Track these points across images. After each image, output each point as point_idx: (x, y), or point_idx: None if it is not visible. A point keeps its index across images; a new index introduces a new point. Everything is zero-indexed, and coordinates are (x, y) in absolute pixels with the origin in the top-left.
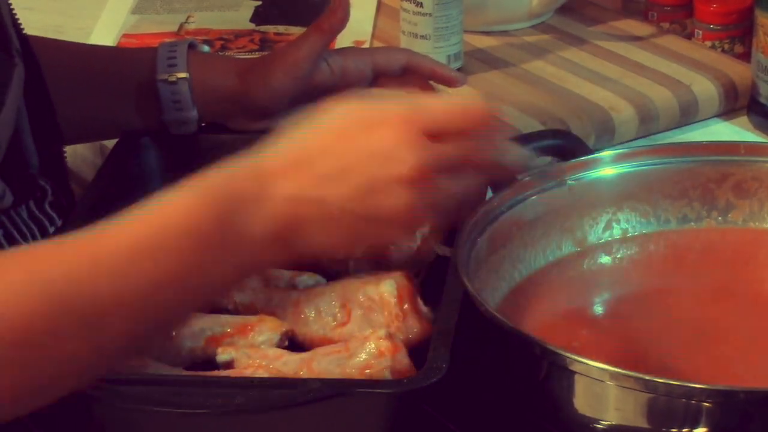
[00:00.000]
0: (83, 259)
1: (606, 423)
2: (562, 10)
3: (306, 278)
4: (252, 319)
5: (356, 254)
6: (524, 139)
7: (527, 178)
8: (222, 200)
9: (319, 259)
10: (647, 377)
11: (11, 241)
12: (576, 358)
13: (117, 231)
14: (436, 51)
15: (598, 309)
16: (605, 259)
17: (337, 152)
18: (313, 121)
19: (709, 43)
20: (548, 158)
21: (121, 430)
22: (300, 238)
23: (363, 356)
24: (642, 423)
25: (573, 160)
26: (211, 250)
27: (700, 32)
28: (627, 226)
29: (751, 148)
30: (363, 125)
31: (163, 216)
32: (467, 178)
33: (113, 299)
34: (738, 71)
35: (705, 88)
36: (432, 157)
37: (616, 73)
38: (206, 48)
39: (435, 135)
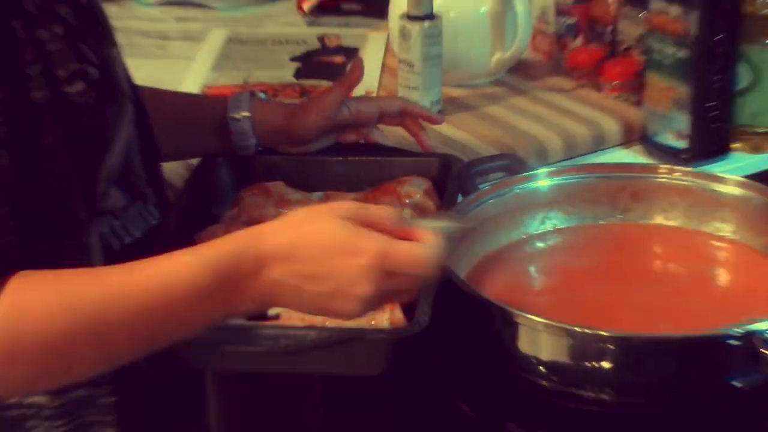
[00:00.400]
0: (113, 292)
1: (540, 359)
2: (511, 70)
3: None
4: None
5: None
6: (486, 159)
7: (488, 187)
8: (227, 274)
9: None
10: (568, 326)
11: (126, 230)
12: (520, 312)
13: (144, 276)
14: (423, 98)
15: (535, 279)
16: (540, 245)
17: (318, 261)
18: (306, 225)
19: (613, 95)
20: (502, 173)
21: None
22: (274, 304)
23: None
24: (565, 359)
25: (518, 175)
26: (211, 305)
27: (607, 87)
28: (555, 221)
29: (642, 167)
30: (344, 250)
31: (182, 276)
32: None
33: (127, 330)
34: (633, 114)
35: (610, 126)
36: (382, 290)
37: (548, 115)
38: (263, 96)
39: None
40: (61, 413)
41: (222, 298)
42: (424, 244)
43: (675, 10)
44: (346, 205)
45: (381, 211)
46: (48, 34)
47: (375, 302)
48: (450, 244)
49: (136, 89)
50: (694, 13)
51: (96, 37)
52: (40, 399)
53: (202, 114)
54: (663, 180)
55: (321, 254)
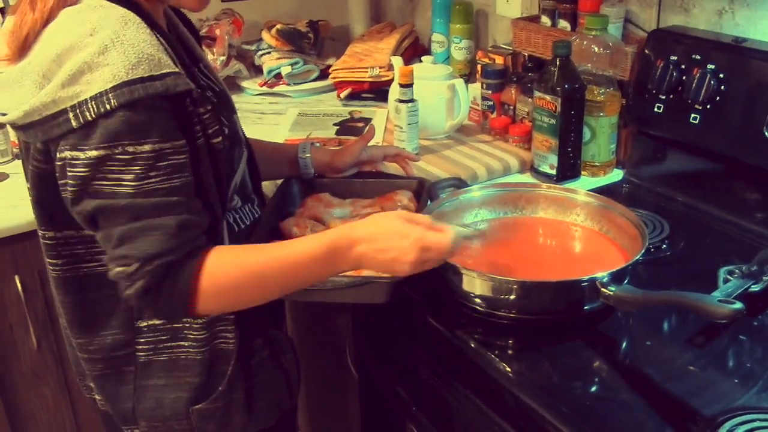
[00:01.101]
0: (272, 259)
1: (474, 294)
2: (457, 131)
3: None
4: None
5: None
6: (443, 181)
7: (444, 196)
8: (334, 248)
9: None
10: (490, 275)
11: (241, 221)
12: (463, 267)
13: (289, 251)
14: (408, 147)
15: (471, 249)
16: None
17: (386, 241)
18: (380, 221)
19: (515, 144)
20: (452, 188)
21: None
22: (360, 267)
23: None
24: (488, 293)
25: (461, 189)
26: (324, 268)
27: (511, 140)
28: (483, 216)
29: (531, 184)
30: (400, 234)
31: (309, 251)
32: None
33: (278, 282)
34: (526, 155)
35: (513, 162)
36: (420, 259)
37: (477, 156)
38: (317, 144)
39: (427, 248)
40: (204, 325)
41: (330, 263)
42: (446, 234)
43: (549, 97)
44: (401, 211)
45: (422, 215)
46: (203, 110)
47: (417, 266)
48: (461, 240)
49: (247, 140)
50: (558, 98)
51: (227, 109)
52: (175, 322)
53: (283, 154)
54: (542, 191)
55: (388, 237)
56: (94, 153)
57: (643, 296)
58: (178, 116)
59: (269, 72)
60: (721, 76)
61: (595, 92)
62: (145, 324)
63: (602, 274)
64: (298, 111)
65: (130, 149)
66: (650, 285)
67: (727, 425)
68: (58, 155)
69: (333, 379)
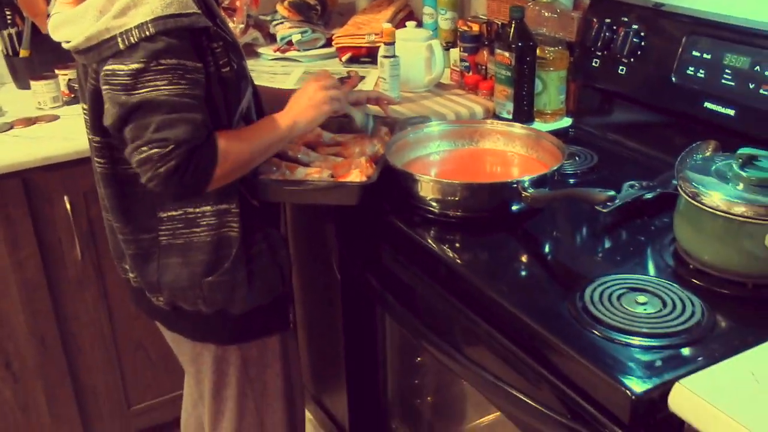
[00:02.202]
0: (256, 130)
1: (430, 198)
2: (436, 86)
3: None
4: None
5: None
6: (411, 119)
7: (409, 129)
8: (280, 117)
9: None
10: (442, 180)
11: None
12: (420, 175)
13: (272, 124)
14: (390, 95)
15: (430, 166)
16: (435, 157)
17: (298, 100)
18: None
19: (484, 97)
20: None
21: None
22: (302, 126)
23: (354, 173)
24: (439, 196)
25: (424, 124)
26: (283, 131)
27: (481, 93)
28: (443, 147)
29: (480, 121)
30: (304, 89)
31: (277, 120)
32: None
33: (270, 147)
34: (490, 104)
35: (478, 108)
36: (322, 92)
37: (450, 105)
38: None
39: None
40: (214, 214)
41: (276, 126)
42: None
43: (506, 53)
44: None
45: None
46: (216, 45)
47: (325, 99)
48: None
49: (254, 83)
50: (513, 54)
51: (236, 53)
52: (206, 208)
53: (284, 96)
54: (488, 126)
55: (298, 96)
56: (136, 65)
57: (550, 193)
58: (197, 47)
59: (282, 39)
60: (642, 34)
61: (546, 51)
62: (165, 215)
63: (524, 178)
64: (303, 70)
65: (164, 63)
66: None
67: (593, 285)
68: (103, 69)
69: (319, 275)
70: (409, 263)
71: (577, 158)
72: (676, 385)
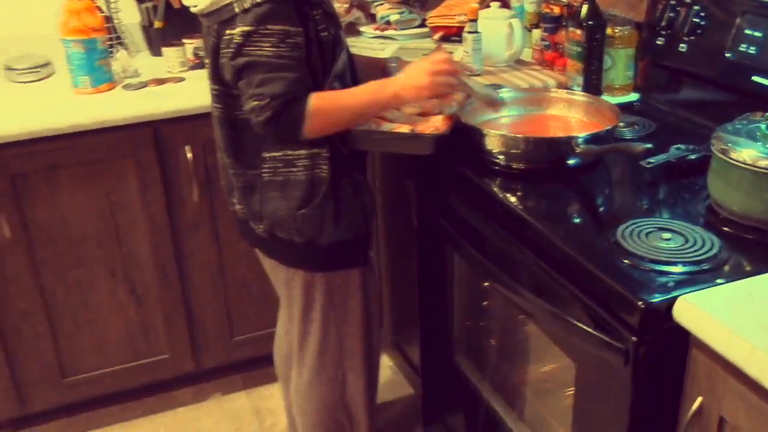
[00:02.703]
0: (348, 94)
1: (495, 151)
2: (516, 62)
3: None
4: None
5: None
6: (486, 86)
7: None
8: (382, 86)
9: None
10: (508, 133)
11: None
12: (486, 129)
13: (359, 90)
14: (472, 65)
15: (501, 125)
16: (505, 120)
17: (409, 75)
18: (409, 67)
19: (559, 72)
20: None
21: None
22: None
23: (431, 128)
24: (503, 148)
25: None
26: (379, 101)
27: (557, 68)
28: (511, 112)
29: (545, 89)
30: (416, 66)
31: (370, 89)
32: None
33: (354, 110)
34: (563, 78)
35: (551, 81)
36: (434, 73)
37: (527, 78)
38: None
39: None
40: (308, 156)
41: (379, 97)
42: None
43: (578, 30)
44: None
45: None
46: (316, 12)
47: (435, 81)
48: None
49: (350, 51)
50: (585, 32)
51: (335, 22)
52: (302, 152)
53: (377, 64)
54: (553, 94)
55: (410, 71)
56: (247, 28)
57: (598, 148)
58: (300, 13)
59: (381, 18)
60: (702, 14)
61: (616, 30)
62: (268, 155)
63: (579, 135)
64: (397, 46)
65: (270, 27)
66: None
67: (626, 224)
68: (225, 33)
69: (399, 223)
70: (476, 209)
71: (636, 126)
72: (680, 298)
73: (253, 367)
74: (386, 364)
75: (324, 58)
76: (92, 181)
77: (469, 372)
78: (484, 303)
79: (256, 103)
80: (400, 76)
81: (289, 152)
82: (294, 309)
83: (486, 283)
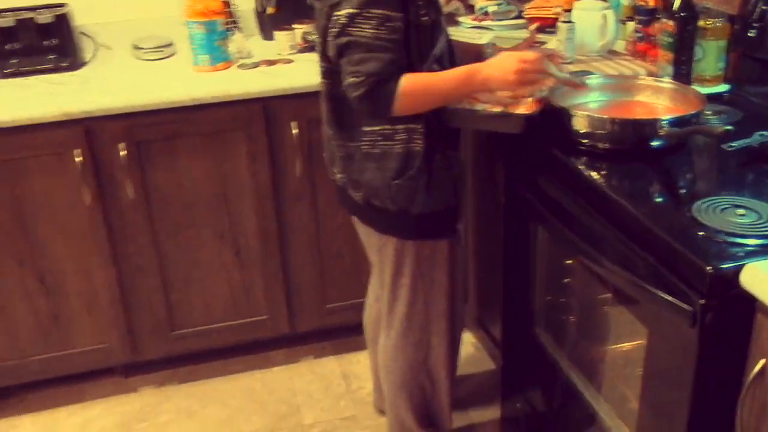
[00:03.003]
0: (438, 77)
1: (582, 132)
2: (608, 52)
3: None
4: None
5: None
6: (575, 73)
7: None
8: (471, 73)
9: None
10: (594, 114)
11: None
12: (573, 110)
13: (448, 74)
14: (565, 53)
15: (592, 107)
16: (593, 105)
17: (497, 66)
18: (498, 58)
19: (651, 63)
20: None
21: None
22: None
23: (521, 108)
24: (589, 129)
25: (584, 76)
26: (466, 86)
27: (649, 59)
28: (601, 98)
29: (633, 76)
30: (505, 57)
31: (458, 73)
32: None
33: (442, 92)
34: (654, 68)
35: (641, 71)
36: (520, 70)
37: (616, 66)
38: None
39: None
40: (404, 131)
41: (468, 83)
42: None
43: (671, 21)
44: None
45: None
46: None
47: (521, 75)
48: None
49: (449, 37)
50: (677, 23)
51: (436, 8)
52: (399, 126)
53: (474, 49)
54: (640, 81)
55: (499, 61)
56: (351, 10)
57: (680, 130)
58: (402, 1)
59: (479, 9)
60: None
61: (708, 22)
62: (368, 129)
63: (663, 118)
64: (494, 35)
65: (372, 11)
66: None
67: (703, 200)
68: (333, 15)
69: (488, 199)
70: (562, 186)
71: (723, 114)
72: (748, 265)
73: (343, 334)
74: (469, 340)
75: (423, 42)
76: (207, 150)
77: (547, 344)
78: (566, 280)
79: (353, 79)
80: (489, 64)
81: (387, 127)
82: (385, 275)
83: (568, 261)
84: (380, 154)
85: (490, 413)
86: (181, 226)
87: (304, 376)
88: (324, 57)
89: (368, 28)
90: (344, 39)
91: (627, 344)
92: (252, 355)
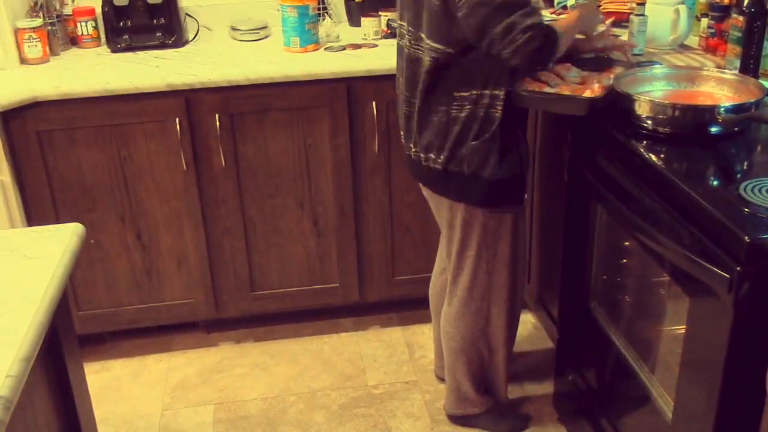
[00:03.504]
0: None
1: (643, 115)
2: (680, 45)
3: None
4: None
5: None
6: (643, 63)
7: (638, 68)
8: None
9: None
10: (654, 99)
11: None
12: (636, 95)
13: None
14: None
15: (654, 94)
16: (657, 93)
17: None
18: None
19: (720, 57)
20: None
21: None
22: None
23: (587, 92)
24: (651, 114)
25: (650, 65)
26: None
27: (719, 53)
28: (666, 87)
29: (697, 67)
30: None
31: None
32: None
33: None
34: (722, 62)
35: (709, 64)
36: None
37: (684, 59)
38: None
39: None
40: (489, 97)
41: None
42: None
43: (740, 17)
44: None
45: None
46: None
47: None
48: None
49: None
50: (746, 18)
51: None
52: (486, 92)
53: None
54: (703, 72)
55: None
56: None
57: (737, 116)
58: None
59: (558, 3)
60: None
61: None
62: (458, 94)
63: (722, 105)
64: None
65: None
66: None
67: (749, 181)
68: None
69: (553, 178)
70: (623, 167)
71: None
72: None
73: (409, 306)
74: (529, 320)
75: None
76: (293, 124)
77: (602, 319)
78: (623, 261)
79: (528, 34)
80: (583, 12)
81: (475, 92)
82: (453, 245)
83: (626, 243)
84: (465, 118)
85: (545, 388)
86: (266, 194)
87: (371, 343)
88: (436, 38)
89: None
90: (492, 5)
91: (680, 327)
92: (323, 321)
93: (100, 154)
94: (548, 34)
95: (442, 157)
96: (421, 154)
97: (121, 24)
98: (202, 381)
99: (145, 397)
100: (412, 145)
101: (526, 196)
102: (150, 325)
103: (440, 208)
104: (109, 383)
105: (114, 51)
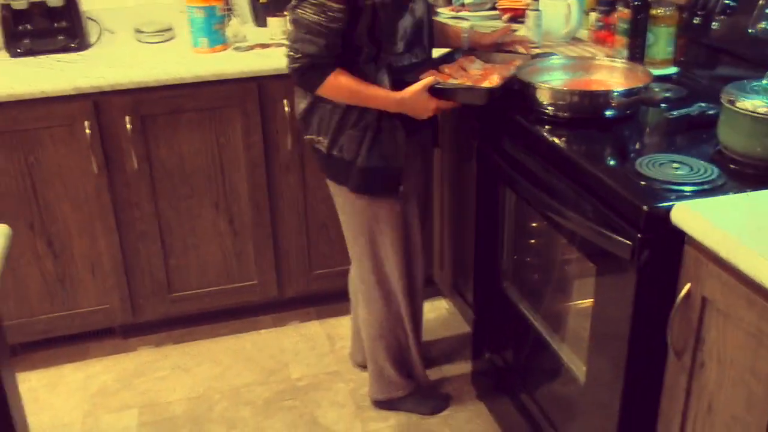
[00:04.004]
0: (365, 88)
1: (545, 101)
2: (572, 39)
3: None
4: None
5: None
6: (540, 54)
7: (535, 59)
8: (396, 102)
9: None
10: (554, 86)
11: (396, 64)
12: (536, 83)
13: (378, 93)
14: (534, 38)
15: (555, 82)
16: (556, 82)
17: (418, 105)
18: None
19: (609, 48)
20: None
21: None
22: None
23: (486, 83)
24: (549, 100)
25: (547, 57)
26: (387, 108)
27: (607, 44)
28: (563, 76)
29: (590, 57)
30: (430, 102)
31: (387, 95)
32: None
33: (371, 103)
34: (611, 52)
35: (599, 55)
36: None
37: (576, 50)
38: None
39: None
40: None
41: (386, 105)
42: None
43: (626, 9)
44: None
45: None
46: None
47: (419, 112)
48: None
49: (431, 20)
50: (631, 11)
51: None
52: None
53: (452, 32)
54: (596, 61)
55: (416, 99)
56: None
57: (629, 99)
58: None
59: (456, 1)
60: None
61: (659, 10)
62: None
63: (614, 90)
64: (470, 25)
65: (313, 1)
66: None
67: (645, 157)
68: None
69: (462, 165)
70: (528, 151)
71: (670, 92)
72: (677, 203)
73: (327, 300)
74: (444, 306)
75: (383, 24)
76: (205, 124)
77: (515, 298)
78: (532, 241)
79: (291, 53)
80: (412, 101)
81: None
82: (347, 232)
83: (535, 224)
84: (346, 106)
85: (464, 368)
86: (181, 195)
87: (291, 338)
88: None
89: (311, 13)
90: (293, 15)
91: (588, 300)
92: (242, 320)
93: (6, 162)
94: (312, 69)
95: (326, 142)
96: (313, 137)
97: (20, 28)
98: (123, 386)
99: (64, 406)
100: (306, 133)
101: (401, 186)
102: (64, 333)
103: (334, 191)
104: (25, 395)
105: (14, 56)
